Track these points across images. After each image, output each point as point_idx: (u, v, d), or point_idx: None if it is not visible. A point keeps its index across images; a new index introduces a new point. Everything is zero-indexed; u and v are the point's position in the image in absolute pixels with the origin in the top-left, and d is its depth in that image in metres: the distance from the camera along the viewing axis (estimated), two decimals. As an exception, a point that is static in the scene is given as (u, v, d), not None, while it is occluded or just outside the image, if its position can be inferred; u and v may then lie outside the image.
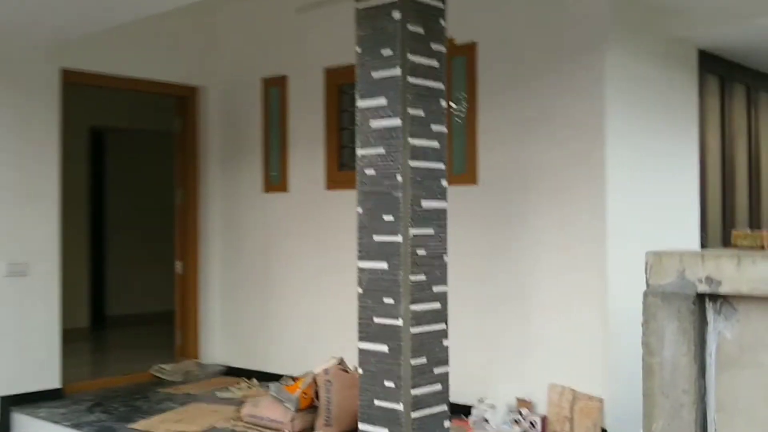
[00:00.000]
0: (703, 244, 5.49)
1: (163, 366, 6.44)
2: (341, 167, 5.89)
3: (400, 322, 3.35)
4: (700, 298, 2.31)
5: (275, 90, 6.27)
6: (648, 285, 2.42)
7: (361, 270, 3.49)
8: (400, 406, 3.35)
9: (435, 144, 3.47)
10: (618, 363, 4.62)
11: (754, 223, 6.26)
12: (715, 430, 2.32)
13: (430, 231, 3.44)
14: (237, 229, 6.58)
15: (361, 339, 3.49)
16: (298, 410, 4.73)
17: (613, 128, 4.63)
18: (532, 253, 4.84)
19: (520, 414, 4.75)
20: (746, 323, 2.28)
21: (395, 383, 3.36)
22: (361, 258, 3.49)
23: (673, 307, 2.35)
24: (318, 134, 5.97)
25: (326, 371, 4.77)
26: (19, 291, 5.56)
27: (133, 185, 9.86)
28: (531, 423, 4.72)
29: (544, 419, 4.71)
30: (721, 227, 5.82)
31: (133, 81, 6.31)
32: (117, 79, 6.20)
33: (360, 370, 3.50)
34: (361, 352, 3.49)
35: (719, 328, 2.32)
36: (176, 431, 4.82)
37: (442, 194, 3.50)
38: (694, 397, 2.32)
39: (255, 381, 6.14)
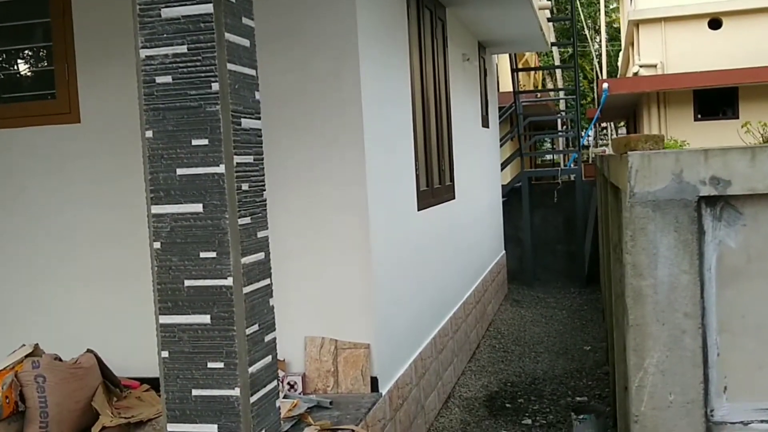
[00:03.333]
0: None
1: None
2: (-9, 100, 4.51)
3: (229, 282, 2.50)
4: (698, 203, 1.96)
5: None
6: (633, 194, 1.98)
7: (158, 216, 2.54)
8: (235, 391, 2.52)
9: (246, 42, 2.63)
10: (380, 306, 4.21)
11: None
12: (718, 354, 2.00)
13: (250, 159, 2.62)
14: None
15: (164, 310, 2.55)
16: (-3, 422, 3.50)
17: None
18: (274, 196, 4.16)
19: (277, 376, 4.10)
20: (755, 228, 1.97)
21: (225, 362, 2.52)
22: (156, 201, 2.53)
23: (668, 216, 1.95)
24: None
25: (34, 364, 3.59)
26: None
27: None
28: (289, 384, 4.10)
29: (303, 377, 4.12)
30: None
31: None
32: None
33: (165, 353, 2.57)
34: (165, 327, 2.56)
35: (720, 236, 1.98)
36: None
37: (257, 110, 2.68)
38: (699, 321, 1.97)
39: None
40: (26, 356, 3.75)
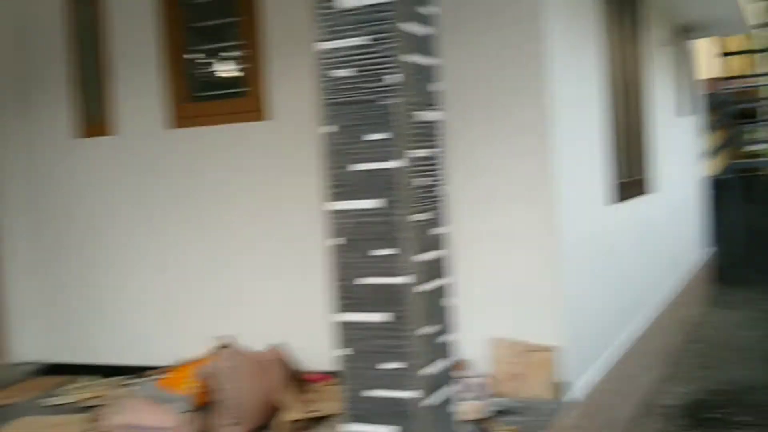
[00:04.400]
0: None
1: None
2: (189, 100, 4.70)
3: (405, 280, 2.41)
4: None
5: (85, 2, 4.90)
6: None
7: (337, 213, 2.49)
8: (411, 393, 2.44)
9: (426, 31, 2.53)
10: (568, 307, 4.00)
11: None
12: None
13: (428, 153, 2.52)
14: (45, 189, 5.14)
15: (343, 308, 2.51)
16: (190, 410, 3.63)
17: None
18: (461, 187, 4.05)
19: (461, 377, 3.98)
20: None
21: (401, 363, 2.44)
22: (334, 197, 2.49)
23: None
24: (153, 59, 4.71)
25: (225, 357, 3.70)
26: None
27: None
28: (473, 386, 3.97)
29: (488, 379, 3.98)
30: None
31: None
32: None
33: (343, 351, 2.53)
34: (343, 325, 2.52)
35: None
36: (20, 461, 3.54)
37: (436, 101, 2.58)
38: None
39: (89, 379, 4.84)
40: (219, 348, 3.88)
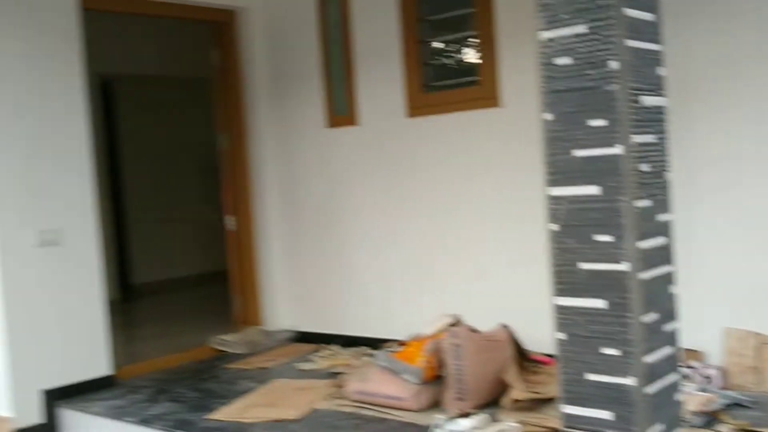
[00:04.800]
0: None
1: (224, 337, 5.53)
2: (425, 89, 4.91)
3: (624, 267, 2.41)
4: None
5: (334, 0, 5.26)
6: None
7: (555, 199, 2.54)
8: (628, 380, 2.44)
9: (649, 16, 2.50)
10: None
11: None
12: None
13: (651, 138, 2.49)
14: (297, 175, 5.61)
15: (561, 292, 2.56)
16: (421, 383, 3.84)
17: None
18: (694, 167, 3.91)
19: (692, 367, 3.87)
20: None
21: (621, 350, 2.45)
22: (553, 183, 2.54)
23: None
24: (392, 51, 4.97)
25: (452, 334, 3.86)
26: (54, 263, 4.61)
27: (152, 138, 8.85)
28: (705, 377, 3.84)
29: (721, 371, 3.83)
30: None
31: (161, 5, 5.28)
32: (144, 3, 5.17)
33: (561, 335, 2.58)
34: (561, 309, 2.57)
35: None
36: (272, 419, 3.93)
37: (660, 86, 2.54)
38: None
39: (336, 347, 5.24)
40: (448, 326, 4.05)
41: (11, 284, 4.41)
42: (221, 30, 5.71)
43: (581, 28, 2.42)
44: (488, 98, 4.58)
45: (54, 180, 4.61)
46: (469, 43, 4.84)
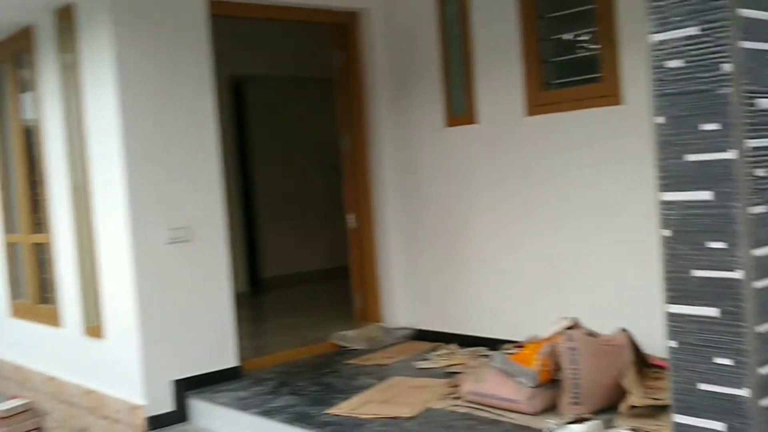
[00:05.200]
0: None
1: (345, 333, 5.67)
2: (545, 87, 4.86)
3: (738, 275, 2.34)
4: None
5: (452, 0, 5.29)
6: None
7: (667, 204, 2.49)
8: (743, 391, 2.36)
9: (766, 15, 2.41)
10: None
11: None
12: None
13: (767, 142, 2.40)
14: (416, 174, 5.68)
15: (672, 300, 2.50)
16: (535, 386, 3.82)
17: None
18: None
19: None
20: None
21: (734, 360, 2.37)
22: (665, 187, 2.49)
23: None
24: (511, 49, 4.95)
25: (569, 337, 3.82)
26: (185, 259, 4.86)
27: (279, 137, 9.15)
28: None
29: None
30: None
31: (285, 9, 5.45)
32: (268, 8, 5.35)
33: (672, 343, 2.52)
34: (673, 317, 2.51)
35: None
36: (386, 416, 4.01)
37: (778, 87, 2.44)
38: None
39: (454, 346, 5.28)
40: (565, 329, 4.01)
41: (144, 280, 4.68)
42: (344, 32, 5.84)
43: (693, 30, 2.36)
44: (610, 96, 4.49)
45: (184, 179, 4.85)
46: (589, 39, 4.76)
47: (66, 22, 5.01)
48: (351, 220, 6.03)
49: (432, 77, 5.45)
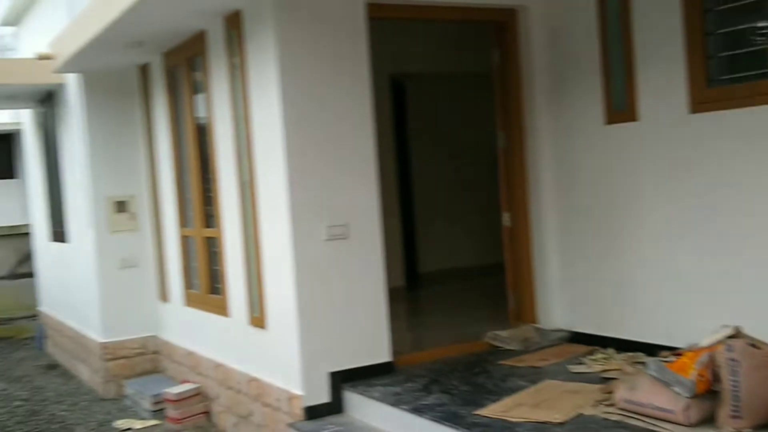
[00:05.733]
0: None
1: (498, 333, 5.65)
2: (710, 83, 4.63)
3: None
4: None
5: (613, -6, 5.14)
6: None
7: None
8: None
9: None
10: None
11: None
12: None
13: None
14: (573, 172, 5.56)
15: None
16: (692, 396, 3.67)
17: None
18: None
19: None
20: None
21: None
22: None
23: None
24: (674, 44, 4.74)
25: (729, 347, 3.64)
26: (342, 256, 5.00)
27: (436, 134, 9.22)
28: None
29: None
30: None
31: (443, 9, 5.49)
32: (426, 8, 5.40)
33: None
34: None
35: None
36: (536, 420, 3.97)
37: None
38: None
39: (611, 351, 5.14)
40: (726, 338, 3.82)
41: (303, 274, 4.87)
42: (502, 29, 5.80)
43: None
44: (782, 93, 4.22)
45: (342, 178, 5.00)
46: (761, 33, 4.48)
47: (234, 26, 5.27)
48: (506, 218, 6.00)
49: (590, 73, 5.31)
